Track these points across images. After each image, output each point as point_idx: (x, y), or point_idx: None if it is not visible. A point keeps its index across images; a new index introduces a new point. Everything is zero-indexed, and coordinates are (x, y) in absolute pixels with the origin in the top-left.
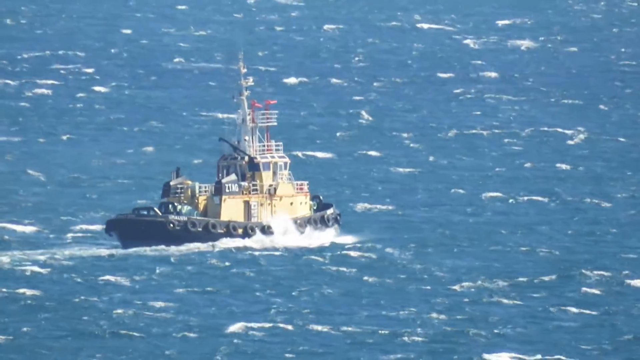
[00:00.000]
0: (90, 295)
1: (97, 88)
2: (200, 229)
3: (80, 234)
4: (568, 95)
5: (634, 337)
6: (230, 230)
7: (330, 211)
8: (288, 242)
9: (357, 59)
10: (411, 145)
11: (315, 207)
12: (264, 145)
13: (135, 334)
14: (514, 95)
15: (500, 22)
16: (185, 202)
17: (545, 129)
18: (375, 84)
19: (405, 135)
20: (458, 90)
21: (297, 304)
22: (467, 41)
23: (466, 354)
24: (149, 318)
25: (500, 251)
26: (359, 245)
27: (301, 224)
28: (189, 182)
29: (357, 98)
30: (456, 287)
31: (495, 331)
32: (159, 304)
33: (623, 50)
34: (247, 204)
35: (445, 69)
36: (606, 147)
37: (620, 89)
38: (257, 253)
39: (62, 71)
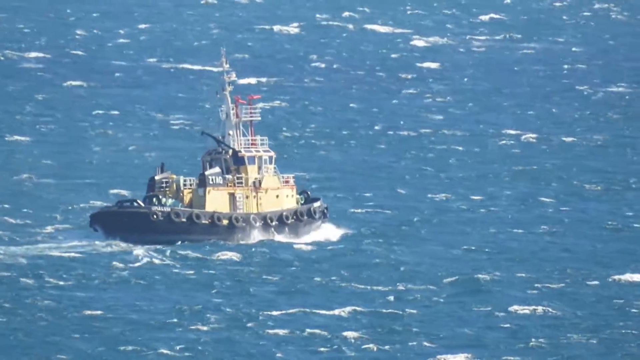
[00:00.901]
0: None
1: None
2: (184, 220)
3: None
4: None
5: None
6: (215, 220)
7: (317, 204)
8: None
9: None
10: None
11: (302, 201)
12: (248, 140)
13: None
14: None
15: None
16: (170, 196)
17: (485, 128)
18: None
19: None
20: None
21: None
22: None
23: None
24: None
25: (457, 250)
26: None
27: (287, 216)
28: (174, 177)
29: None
30: (402, 287)
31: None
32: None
33: (573, 50)
34: (232, 196)
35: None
36: (551, 146)
37: (566, 88)
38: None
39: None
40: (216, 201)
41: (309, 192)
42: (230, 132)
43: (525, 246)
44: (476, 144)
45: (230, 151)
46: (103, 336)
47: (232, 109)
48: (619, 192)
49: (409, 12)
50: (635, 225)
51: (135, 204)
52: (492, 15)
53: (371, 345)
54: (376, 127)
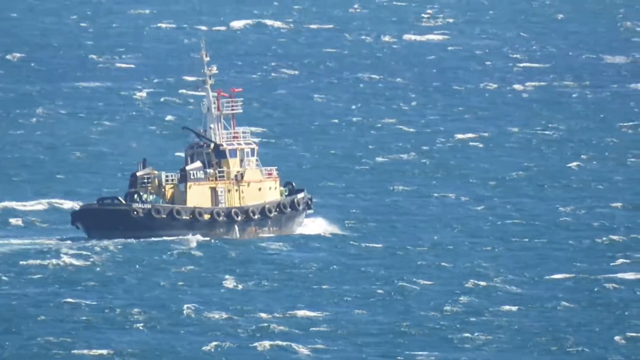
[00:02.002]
0: None
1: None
2: (164, 216)
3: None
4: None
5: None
6: (196, 216)
7: (300, 195)
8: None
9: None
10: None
11: (286, 193)
12: (230, 133)
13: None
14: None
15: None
16: (152, 192)
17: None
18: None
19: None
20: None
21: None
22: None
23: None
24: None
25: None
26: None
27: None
28: (156, 172)
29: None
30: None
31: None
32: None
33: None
34: (213, 190)
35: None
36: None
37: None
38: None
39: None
40: (197, 196)
41: (293, 184)
42: (212, 126)
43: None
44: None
45: (212, 145)
46: None
47: (214, 102)
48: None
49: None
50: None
51: (116, 201)
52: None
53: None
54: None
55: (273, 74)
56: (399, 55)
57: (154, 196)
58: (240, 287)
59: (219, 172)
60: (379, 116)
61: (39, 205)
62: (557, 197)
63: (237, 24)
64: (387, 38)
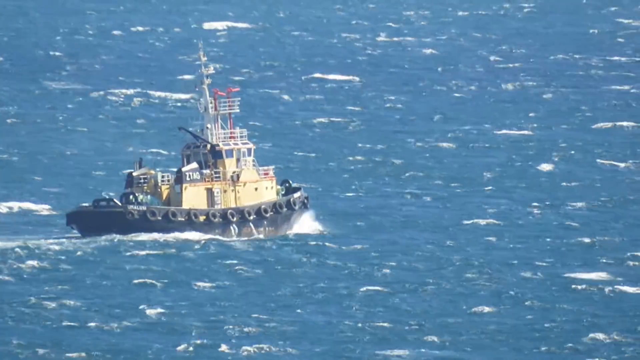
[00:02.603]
0: None
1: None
2: (159, 218)
3: None
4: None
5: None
6: (191, 217)
7: (297, 195)
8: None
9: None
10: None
11: (283, 192)
12: (227, 132)
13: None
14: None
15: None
16: (148, 192)
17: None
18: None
19: None
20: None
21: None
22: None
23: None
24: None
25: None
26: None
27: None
28: (152, 172)
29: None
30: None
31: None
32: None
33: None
34: (209, 191)
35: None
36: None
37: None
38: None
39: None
40: (193, 197)
41: (290, 182)
42: (209, 126)
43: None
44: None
45: (208, 145)
46: None
47: (211, 102)
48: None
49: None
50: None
51: (112, 202)
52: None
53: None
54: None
55: (245, 75)
56: (371, 56)
57: (150, 197)
58: (213, 289)
59: (215, 172)
60: (351, 117)
61: (5, 207)
62: (528, 197)
63: (209, 25)
64: (359, 39)
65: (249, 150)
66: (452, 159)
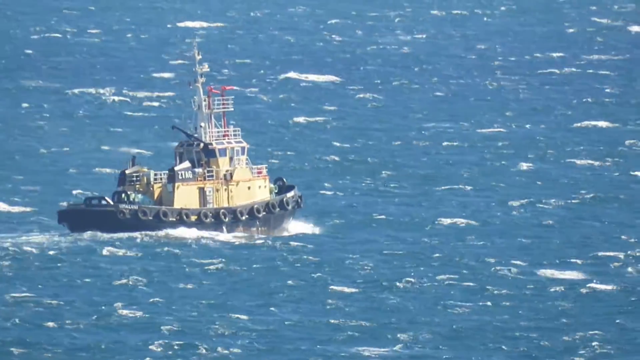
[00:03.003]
0: None
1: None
2: (151, 217)
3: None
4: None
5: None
6: (182, 217)
7: (290, 194)
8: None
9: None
10: None
11: (276, 190)
12: (220, 131)
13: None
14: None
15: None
16: (140, 190)
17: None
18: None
19: None
20: None
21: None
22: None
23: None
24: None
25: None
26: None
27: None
28: (145, 170)
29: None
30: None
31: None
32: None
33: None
34: (201, 191)
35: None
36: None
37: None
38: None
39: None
40: (185, 197)
41: (284, 180)
42: (202, 124)
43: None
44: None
45: (201, 144)
46: None
47: (205, 100)
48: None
49: None
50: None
51: (104, 201)
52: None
53: None
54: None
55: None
56: (344, 54)
57: (142, 195)
58: (189, 286)
59: (208, 171)
60: (328, 115)
61: None
62: (504, 195)
63: (185, 24)
64: (332, 37)
65: (243, 149)
66: (429, 157)
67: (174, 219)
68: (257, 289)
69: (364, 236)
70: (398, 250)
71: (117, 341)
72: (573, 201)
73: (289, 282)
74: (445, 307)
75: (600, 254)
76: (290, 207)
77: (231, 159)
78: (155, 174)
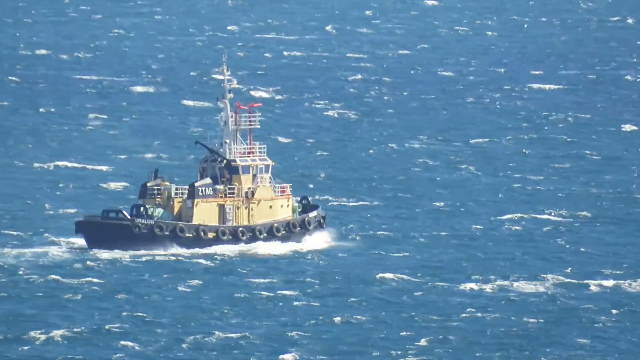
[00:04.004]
0: None
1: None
2: (167, 233)
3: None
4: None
5: None
6: (199, 233)
7: (313, 214)
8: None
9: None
10: None
11: (300, 209)
12: (245, 148)
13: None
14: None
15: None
16: (161, 204)
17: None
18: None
19: None
20: None
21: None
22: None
23: None
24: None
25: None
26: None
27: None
28: (167, 184)
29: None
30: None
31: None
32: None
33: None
34: (221, 208)
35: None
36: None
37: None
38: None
39: None
40: (204, 213)
41: (309, 199)
42: (227, 140)
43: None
44: None
45: (225, 160)
46: None
47: (231, 116)
48: None
49: None
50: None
51: (121, 214)
52: None
53: None
54: None
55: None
56: (304, 66)
57: (162, 210)
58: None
59: (229, 188)
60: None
61: None
62: (477, 209)
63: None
64: (290, 50)
65: (267, 167)
66: (401, 170)
67: (191, 235)
68: (222, 303)
69: (346, 246)
70: (371, 263)
71: (72, 353)
72: (549, 214)
73: (250, 293)
74: (418, 322)
75: (567, 268)
76: (311, 227)
77: (254, 176)
78: (177, 189)
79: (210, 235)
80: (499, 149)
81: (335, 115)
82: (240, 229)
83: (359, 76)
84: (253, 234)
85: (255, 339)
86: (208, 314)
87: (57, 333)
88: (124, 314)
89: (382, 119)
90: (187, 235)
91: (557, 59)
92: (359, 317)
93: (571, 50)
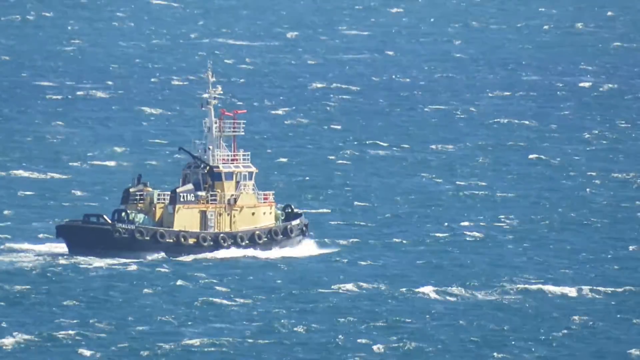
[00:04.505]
0: None
1: None
2: (147, 238)
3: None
4: None
5: None
6: (180, 239)
7: (295, 222)
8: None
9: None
10: None
11: (283, 217)
12: (229, 155)
13: None
14: None
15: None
16: (143, 209)
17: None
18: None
19: None
20: None
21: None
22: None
23: None
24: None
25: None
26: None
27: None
28: (149, 189)
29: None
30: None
31: None
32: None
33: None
34: (203, 214)
35: None
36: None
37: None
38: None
39: None
40: (185, 219)
41: (292, 207)
42: (210, 147)
43: None
44: None
45: (207, 167)
46: None
47: (215, 122)
48: None
49: None
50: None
51: (102, 219)
52: None
53: None
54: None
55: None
56: (263, 73)
57: (144, 215)
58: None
59: (212, 195)
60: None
61: None
62: (441, 216)
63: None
64: (250, 57)
65: (250, 174)
66: (363, 177)
67: (171, 241)
68: (181, 308)
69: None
70: (340, 271)
71: None
72: (501, 223)
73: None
74: (389, 328)
75: (528, 276)
76: (293, 235)
77: (237, 183)
78: (159, 194)
79: (191, 241)
80: (459, 155)
81: (295, 122)
82: (222, 235)
83: (318, 84)
84: (234, 240)
85: (215, 347)
86: (166, 320)
87: (10, 341)
88: (81, 320)
89: (340, 125)
90: (167, 240)
91: (516, 66)
92: (316, 325)
93: (531, 57)
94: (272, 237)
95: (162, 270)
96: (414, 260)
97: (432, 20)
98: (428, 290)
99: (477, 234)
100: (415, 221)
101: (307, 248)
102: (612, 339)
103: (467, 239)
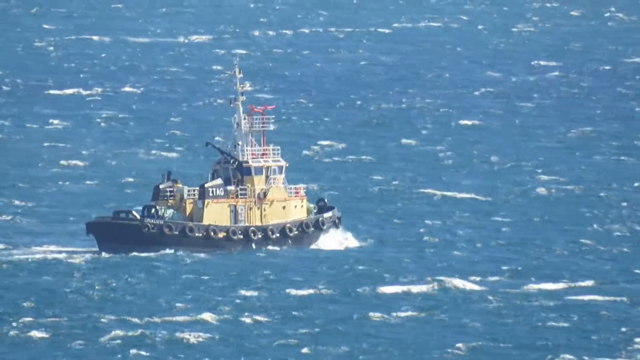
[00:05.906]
0: None
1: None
2: (176, 233)
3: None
4: None
5: None
6: (209, 234)
7: (327, 215)
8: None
9: None
10: None
11: (315, 210)
12: (259, 150)
13: None
14: None
15: None
16: (173, 205)
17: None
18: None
19: None
20: None
21: None
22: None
23: None
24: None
25: None
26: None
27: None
28: (179, 186)
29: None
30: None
31: None
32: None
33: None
34: (233, 208)
35: None
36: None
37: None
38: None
39: None
40: (215, 214)
41: (325, 200)
42: (240, 142)
43: None
44: None
45: (236, 162)
46: None
47: (244, 118)
48: None
49: None
50: None
51: (130, 215)
52: None
53: None
54: None
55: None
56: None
57: (173, 211)
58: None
59: (241, 189)
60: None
61: None
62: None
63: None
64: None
65: (280, 168)
66: (353, 179)
67: (200, 235)
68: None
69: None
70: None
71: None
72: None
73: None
74: (383, 330)
75: (505, 269)
76: (325, 227)
77: (267, 177)
78: (189, 190)
79: (221, 235)
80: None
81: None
82: (252, 228)
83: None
84: (265, 234)
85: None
86: (165, 308)
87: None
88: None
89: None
90: (196, 235)
91: (489, 62)
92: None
93: (501, 54)
94: (303, 230)
95: (167, 258)
96: (393, 254)
97: (400, 10)
98: (403, 285)
99: (457, 230)
100: (387, 220)
101: (340, 240)
102: None
103: (441, 234)
